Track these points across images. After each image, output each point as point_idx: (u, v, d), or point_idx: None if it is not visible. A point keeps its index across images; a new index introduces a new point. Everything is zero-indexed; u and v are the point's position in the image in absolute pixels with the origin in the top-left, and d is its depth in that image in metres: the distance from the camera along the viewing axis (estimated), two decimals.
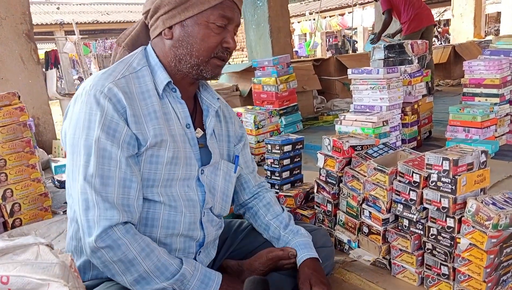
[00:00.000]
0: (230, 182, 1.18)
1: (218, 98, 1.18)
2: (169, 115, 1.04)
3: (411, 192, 1.25)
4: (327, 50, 16.13)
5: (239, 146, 1.25)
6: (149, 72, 1.05)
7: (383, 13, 4.83)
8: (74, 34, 11.26)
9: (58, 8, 16.32)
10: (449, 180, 1.14)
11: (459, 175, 1.13)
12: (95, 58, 16.76)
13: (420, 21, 4.61)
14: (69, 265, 0.60)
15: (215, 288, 1.00)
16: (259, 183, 1.31)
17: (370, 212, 1.39)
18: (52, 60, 11.22)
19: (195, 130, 1.10)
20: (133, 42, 1.12)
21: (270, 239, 1.24)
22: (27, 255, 0.67)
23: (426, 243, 1.24)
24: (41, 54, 10.28)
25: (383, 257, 1.38)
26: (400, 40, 4.41)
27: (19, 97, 2.18)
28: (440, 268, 1.21)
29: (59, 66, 12.13)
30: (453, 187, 1.14)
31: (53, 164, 3.18)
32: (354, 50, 14.49)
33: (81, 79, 15.14)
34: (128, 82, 1.01)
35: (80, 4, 17.78)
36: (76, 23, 11.77)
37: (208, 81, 1.20)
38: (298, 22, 16.25)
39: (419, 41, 2.98)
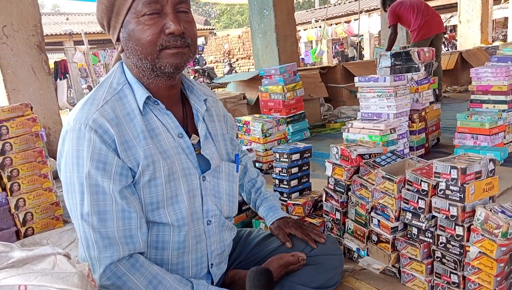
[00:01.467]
0: (233, 182, 1.17)
1: (205, 99, 1.13)
2: (157, 130, 1.00)
3: (419, 200, 1.25)
4: (333, 57, 16.17)
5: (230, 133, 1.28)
6: (130, 90, 1.01)
7: (389, 27, 4.85)
8: (83, 44, 11.43)
9: (67, 19, 16.59)
10: (458, 189, 1.15)
11: (468, 184, 1.14)
12: (104, 67, 16.97)
13: (429, 28, 4.62)
14: (87, 275, 0.62)
15: None
16: (236, 145, 1.34)
17: (378, 221, 1.39)
18: (62, 70, 11.38)
19: (190, 136, 1.07)
20: (116, 62, 1.12)
21: (247, 199, 1.44)
22: (44, 265, 0.69)
23: (436, 252, 1.24)
24: (51, 64, 10.45)
25: (393, 266, 1.38)
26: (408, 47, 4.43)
27: (31, 108, 2.22)
28: (450, 276, 1.21)
29: (68, 75, 12.30)
30: (462, 196, 1.14)
31: None
32: (361, 57, 14.51)
33: (90, 88, 15.32)
34: (113, 107, 0.97)
35: (89, 14, 18.05)
36: (85, 33, 11.94)
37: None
38: (304, 30, 16.33)
39: (426, 49, 2.98)
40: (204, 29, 18.70)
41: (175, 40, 0.95)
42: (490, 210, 1.09)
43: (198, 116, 1.10)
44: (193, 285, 1.00)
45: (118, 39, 1.01)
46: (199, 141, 1.09)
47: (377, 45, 7.11)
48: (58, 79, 10.86)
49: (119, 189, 0.93)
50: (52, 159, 3.40)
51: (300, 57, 12.65)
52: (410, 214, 1.30)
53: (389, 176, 1.33)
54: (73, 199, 0.94)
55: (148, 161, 0.96)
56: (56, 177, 3.16)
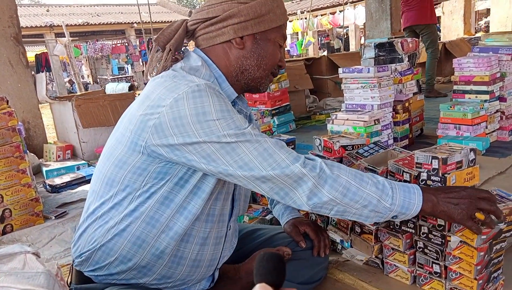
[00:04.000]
0: None
1: (247, 103, 1.22)
2: None
3: None
4: (319, 49, 16.18)
5: None
6: (218, 85, 1.05)
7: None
8: (64, 37, 11.19)
9: (47, 11, 16.20)
10: (439, 179, 1.15)
11: (449, 174, 1.14)
12: (86, 60, 16.65)
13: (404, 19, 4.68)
14: (55, 274, 0.60)
15: (417, 192, 1.01)
16: None
17: None
18: (43, 63, 11.13)
19: None
20: (177, 45, 1.09)
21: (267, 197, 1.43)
22: (14, 264, 0.66)
23: (418, 242, 1.24)
24: (31, 56, 10.21)
25: (376, 257, 1.38)
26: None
27: (7, 102, 2.16)
28: (432, 266, 1.21)
29: (50, 69, 12.04)
30: (443, 186, 1.14)
31: (44, 169, 3.16)
32: (347, 48, 14.56)
33: (71, 82, 15.06)
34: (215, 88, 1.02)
35: (70, 6, 17.66)
36: (66, 25, 11.69)
37: None
38: (290, 21, 16.26)
39: (409, 39, 2.99)
40: None
41: (278, 71, 1.15)
42: None
43: (246, 118, 1.16)
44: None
45: (241, 37, 1.05)
46: None
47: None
48: (40, 72, 10.62)
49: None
50: (32, 154, 3.33)
51: (286, 48, 12.62)
52: None
53: (371, 167, 1.33)
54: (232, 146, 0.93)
55: None
56: (36, 172, 3.10)
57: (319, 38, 17.24)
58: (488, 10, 12.13)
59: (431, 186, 1.17)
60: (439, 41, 7.17)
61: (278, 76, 3.53)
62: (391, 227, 1.33)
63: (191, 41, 1.14)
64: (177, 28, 1.08)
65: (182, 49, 1.11)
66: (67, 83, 14.79)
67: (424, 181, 1.19)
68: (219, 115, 0.91)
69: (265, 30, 1.06)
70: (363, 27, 12.63)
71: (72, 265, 1.08)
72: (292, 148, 1.85)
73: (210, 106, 0.91)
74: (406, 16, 4.72)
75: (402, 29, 4.71)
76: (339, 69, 2.74)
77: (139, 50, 15.55)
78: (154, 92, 0.96)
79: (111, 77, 16.56)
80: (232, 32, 1.04)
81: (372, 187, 0.98)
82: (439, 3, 8.82)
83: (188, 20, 1.09)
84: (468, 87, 2.71)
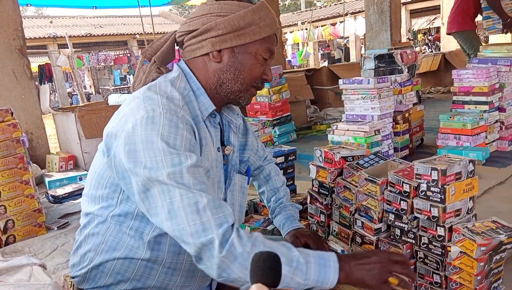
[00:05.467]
0: (244, 193, 1.20)
1: (238, 114, 1.19)
2: (206, 139, 1.04)
3: (401, 201, 1.26)
4: (320, 59, 16.28)
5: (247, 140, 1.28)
6: (194, 98, 1.04)
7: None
8: (67, 48, 11.29)
9: (51, 22, 16.36)
10: (438, 190, 1.16)
11: (448, 185, 1.15)
12: (88, 70, 16.77)
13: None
14: (62, 286, 0.61)
15: (333, 265, 0.93)
16: (262, 156, 1.37)
17: (362, 222, 1.40)
18: (46, 73, 11.22)
19: (225, 148, 1.13)
20: (163, 57, 1.10)
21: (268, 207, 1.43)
22: (20, 275, 0.67)
23: (418, 252, 1.25)
24: (35, 67, 10.29)
25: None
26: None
27: (12, 113, 2.18)
28: (432, 276, 1.22)
29: (53, 79, 12.12)
30: (442, 197, 1.16)
31: (47, 179, 3.18)
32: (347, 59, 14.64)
33: (71, 95, 15.14)
34: (188, 109, 1.01)
35: (73, 17, 17.83)
36: (69, 36, 11.80)
37: None
38: (291, 32, 16.39)
39: (409, 51, 3.03)
40: None
41: (262, 85, 1.12)
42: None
43: (230, 126, 1.16)
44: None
45: (219, 50, 1.03)
46: (230, 153, 1.15)
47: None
48: (43, 83, 10.70)
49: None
50: (35, 165, 3.35)
51: (287, 59, 12.70)
52: (393, 216, 1.31)
53: (371, 178, 1.34)
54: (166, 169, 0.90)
55: (208, 166, 1.01)
56: (38, 183, 3.12)
57: (320, 49, 17.35)
58: None
59: (430, 197, 1.19)
60: (439, 52, 7.20)
61: (279, 86, 3.57)
62: (392, 237, 1.34)
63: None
64: (166, 40, 1.10)
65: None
66: (73, 93, 14.86)
67: (424, 192, 1.21)
68: (164, 147, 0.89)
69: (245, 44, 1.03)
70: (363, 37, 12.73)
71: (72, 281, 1.10)
72: (293, 159, 1.87)
73: (158, 134, 0.90)
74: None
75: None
76: (339, 80, 2.77)
77: None
78: (124, 109, 0.99)
79: (113, 87, 16.65)
80: (210, 46, 1.03)
81: (285, 266, 0.86)
82: (439, 14, 8.88)
83: (177, 32, 1.10)
84: (467, 98, 2.73)
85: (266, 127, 3.18)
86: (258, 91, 1.15)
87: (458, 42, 4.75)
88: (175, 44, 1.10)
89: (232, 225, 0.91)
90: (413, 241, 1.27)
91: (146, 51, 1.10)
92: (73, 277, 1.08)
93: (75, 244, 1.09)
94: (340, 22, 13.29)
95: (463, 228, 1.13)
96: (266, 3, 1.07)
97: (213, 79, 1.06)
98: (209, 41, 1.03)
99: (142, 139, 0.90)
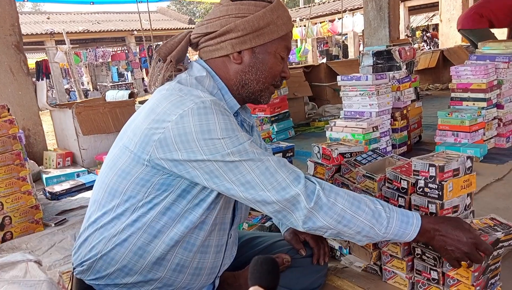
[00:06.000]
0: None
1: (250, 113, 1.21)
2: None
3: (399, 198, 1.26)
4: (319, 56, 16.25)
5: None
6: (221, 96, 1.07)
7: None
8: (65, 44, 11.24)
9: (48, 18, 16.28)
10: (436, 186, 1.16)
11: (446, 181, 1.15)
12: (86, 67, 16.70)
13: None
14: (57, 282, 0.61)
15: (416, 223, 1.03)
16: None
17: None
18: (43, 70, 11.17)
19: None
20: (179, 57, 1.11)
21: None
22: (16, 272, 0.67)
23: (416, 249, 1.25)
24: (32, 64, 10.25)
25: (374, 263, 1.39)
26: None
27: (8, 109, 2.17)
28: (429, 273, 1.22)
29: (50, 76, 12.07)
30: (440, 193, 1.16)
31: (44, 176, 3.17)
32: (346, 55, 14.63)
33: (68, 91, 15.08)
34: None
35: (70, 13, 17.75)
36: (67, 33, 11.75)
37: None
38: None
39: (407, 47, 3.02)
40: (188, 28, 18.61)
41: (281, 82, 1.14)
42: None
43: (243, 125, 1.17)
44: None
45: (239, 52, 1.05)
46: None
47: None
48: (40, 79, 10.66)
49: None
50: (32, 161, 3.33)
51: None
52: None
53: (369, 175, 1.34)
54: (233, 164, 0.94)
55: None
56: (36, 179, 3.11)
57: (318, 45, 17.32)
58: None
59: (428, 194, 1.18)
60: (437, 48, 7.17)
61: None
62: None
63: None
64: (180, 40, 1.10)
65: (187, 60, 1.13)
66: (70, 90, 14.82)
67: (421, 189, 1.21)
68: (223, 133, 0.92)
69: (264, 43, 1.05)
70: (361, 34, 12.72)
71: (73, 273, 1.09)
72: (291, 155, 1.86)
73: (215, 123, 0.92)
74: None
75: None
76: (337, 76, 2.76)
77: (139, 57, 15.62)
78: (159, 106, 0.97)
79: (111, 84, 16.61)
80: (230, 47, 1.04)
81: (367, 215, 1.00)
82: (437, 11, 8.88)
83: (191, 32, 1.11)
84: (465, 95, 2.73)
85: (264, 124, 3.18)
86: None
87: (469, 39, 4.76)
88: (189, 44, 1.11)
89: (305, 177, 0.99)
90: None
91: (161, 50, 1.11)
92: (74, 268, 1.07)
93: (80, 236, 1.07)
94: (339, 18, 13.28)
95: None
96: (281, 1, 1.08)
97: (235, 80, 1.07)
98: (229, 42, 1.04)
99: (196, 129, 0.92)
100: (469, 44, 7.25)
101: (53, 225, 2.29)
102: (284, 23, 1.07)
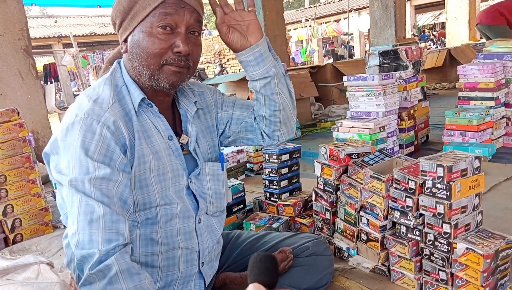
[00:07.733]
0: (219, 180, 1.17)
1: (195, 101, 1.15)
2: (150, 131, 1.03)
3: (407, 198, 1.26)
4: (324, 56, 16.21)
5: (224, 110, 1.22)
6: (127, 91, 1.02)
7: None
8: (72, 47, 11.33)
9: (55, 22, 16.44)
10: (444, 187, 1.16)
11: (454, 181, 1.15)
12: (93, 70, 16.83)
13: None
14: (69, 284, 0.62)
15: None
16: (250, 104, 1.26)
17: (368, 219, 1.40)
18: (51, 73, 11.27)
19: (180, 137, 1.10)
20: (114, 58, 1.12)
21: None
22: (28, 274, 0.68)
23: (424, 249, 1.25)
24: (40, 67, 10.34)
25: (382, 264, 1.39)
26: None
27: (18, 113, 2.20)
28: (438, 273, 1.22)
29: (58, 79, 12.17)
30: (448, 193, 1.15)
31: None
32: (351, 55, 14.57)
33: (76, 94, 15.18)
34: (119, 107, 0.99)
35: (77, 17, 17.89)
36: (74, 36, 11.84)
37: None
38: (295, 29, 16.35)
39: (413, 47, 3.00)
40: None
41: (179, 59, 0.98)
42: None
43: (187, 116, 1.13)
44: None
45: (125, 40, 1.02)
46: (187, 141, 1.11)
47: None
48: (48, 82, 10.75)
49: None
50: (41, 164, 3.36)
51: (291, 56, 12.66)
52: (398, 213, 1.30)
53: (377, 175, 1.34)
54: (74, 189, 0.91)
55: (140, 161, 0.99)
56: (45, 182, 3.13)
57: (324, 45, 17.28)
58: None
59: (436, 194, 1.18)
60: (444, 47, 7.12)
61: None
62: (397, 234, 1.34)
63: None
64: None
65: None
66: (77, 92, 14.91)
67: (429, 189, 1.20)
68: (78, 153, 0.90)
69: (139, 23, 0.97)
70: (367, 34, 12.66)
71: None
72: (298, 156, 1.86)
73: (74, 141, 0.91)
74: None
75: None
76: (344, 77, 2.76)
77: None
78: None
79: None
80: (120, 39, 1.04)
81: None
82: (444, 9, 8.81)
83: None
84: (473, 94, 2.71)
85: None
86: None
87: (485, 35, 4.78)
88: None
89: (125, 244, 0.88)
90: (419, 238, 1.26)
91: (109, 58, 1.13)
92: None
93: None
94: (344, 18, 13.23)
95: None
96: None
97: (132, 71, 1.03)
98: (119, 34, 1.04)
99: (61, 145, 0.94)
100: (476, 42, 7.21)
101: (62, 227, 2.31)
102: None
